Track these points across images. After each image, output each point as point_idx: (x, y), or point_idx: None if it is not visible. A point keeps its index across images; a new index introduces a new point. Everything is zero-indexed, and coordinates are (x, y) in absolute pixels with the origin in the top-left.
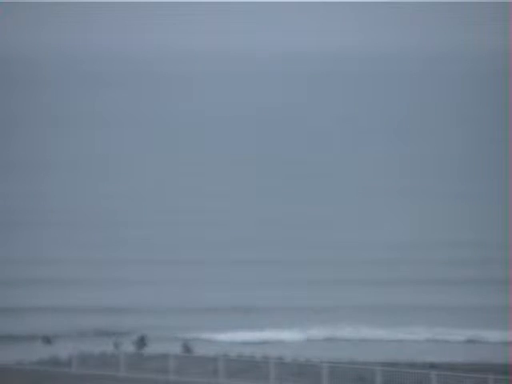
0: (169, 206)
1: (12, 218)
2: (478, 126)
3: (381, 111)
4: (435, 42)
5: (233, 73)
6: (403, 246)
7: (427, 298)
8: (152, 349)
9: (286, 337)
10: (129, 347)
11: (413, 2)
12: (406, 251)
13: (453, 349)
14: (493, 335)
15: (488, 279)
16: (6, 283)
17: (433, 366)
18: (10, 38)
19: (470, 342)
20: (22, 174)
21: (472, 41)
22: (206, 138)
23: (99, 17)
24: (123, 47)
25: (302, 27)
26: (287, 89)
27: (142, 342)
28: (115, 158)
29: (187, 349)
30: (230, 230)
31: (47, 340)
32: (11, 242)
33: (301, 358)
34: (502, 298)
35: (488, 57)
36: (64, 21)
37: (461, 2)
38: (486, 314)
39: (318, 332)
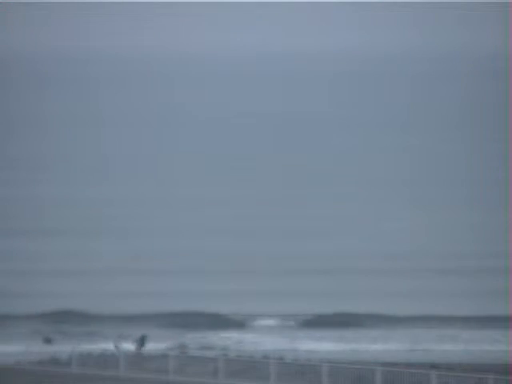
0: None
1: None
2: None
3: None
4: (436, 42)
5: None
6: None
7: None
8: None
9: None
10: (129, 347)
11: (414, 3)
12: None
13: None
14: None
15: None
16: None
17: (433, 366)
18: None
19: None
20: None
21: (473, 41)
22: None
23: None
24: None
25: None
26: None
27: (142, 341)
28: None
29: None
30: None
31: (47, 340)
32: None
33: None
34: None
35: (489, 57)
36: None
37: (461, 2)
38: None
39: None
